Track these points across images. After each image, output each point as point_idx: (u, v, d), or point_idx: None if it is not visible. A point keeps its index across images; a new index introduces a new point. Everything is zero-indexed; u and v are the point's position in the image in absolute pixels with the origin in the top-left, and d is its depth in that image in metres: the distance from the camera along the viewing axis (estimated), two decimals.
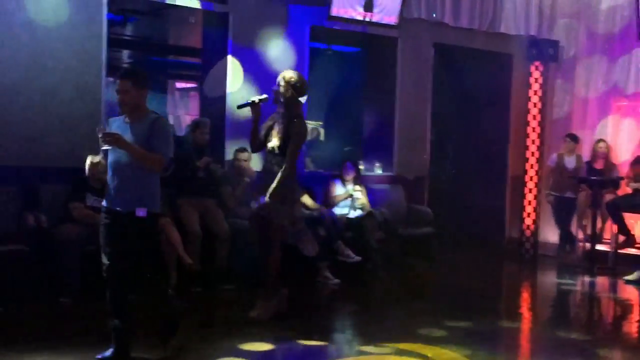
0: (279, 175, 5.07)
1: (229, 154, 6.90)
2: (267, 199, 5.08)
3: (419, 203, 8.36)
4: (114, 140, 3.98)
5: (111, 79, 5.56)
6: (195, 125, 6.49)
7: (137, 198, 4.08)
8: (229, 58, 7.00)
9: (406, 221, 7.91)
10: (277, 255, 5.21)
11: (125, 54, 10.93)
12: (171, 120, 10.69)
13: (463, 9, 8.41)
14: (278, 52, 7.28)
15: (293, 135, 5.12)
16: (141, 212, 4.04)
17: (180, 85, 12.57)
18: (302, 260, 6.26)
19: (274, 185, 5.07)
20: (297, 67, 7.36)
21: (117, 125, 4.17)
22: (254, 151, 5.61)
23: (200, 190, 6.25)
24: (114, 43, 8.10)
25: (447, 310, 5.79)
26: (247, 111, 5.34)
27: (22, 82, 5.89)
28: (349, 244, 6.89)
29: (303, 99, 5.30)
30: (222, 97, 7.03)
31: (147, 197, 4.12)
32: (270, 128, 5.23)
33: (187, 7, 6.89)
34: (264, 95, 5.25)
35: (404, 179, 8.33)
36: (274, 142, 5.16)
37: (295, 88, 5.19)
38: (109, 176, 4.16)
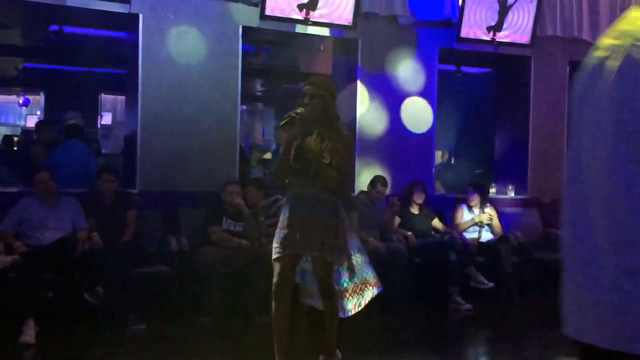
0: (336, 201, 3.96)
1: (358, 180, 6.98)
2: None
3: (556, 227, 7.98)
4: None
5: (244, 107, 5.80)
6: None
7: None
8: (358, 83, 7.10)
9: (542, 246, 7.60)
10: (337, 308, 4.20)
11: (257, 82, 11.39)
12: None
13: (601, 23, 8.03)
14: (407, 75, 7.29)
15: (345, 152, 3.95)
16: None
17: None
18: (433, 284, 6.18)
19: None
20: (426, 90, 7.38)
21: None
22: (284, 179, 4.09)
23: None
24: (248, 73, 8.46)
25: None
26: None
27: (165, 113, 6.28)
28: (481, 269, 6.72)
29: None
30: (353, 122, 7.12)
31: None
32: (300, 148, 3.93)
33: (317, 35, 7.08)
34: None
35: (539, 201, 8.02)
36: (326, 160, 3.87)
37: (333, 90, 4.05)
38: None
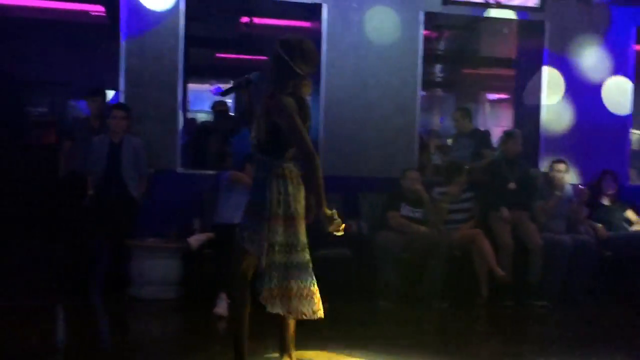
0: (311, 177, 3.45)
1: (543, 167, 6.69)
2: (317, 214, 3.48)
3: None
4: None
5: (424, 94, 5.74)
6: (506, 137, 6.41)
7: None
8: (545, 67, 6.79)
9: None
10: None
11: (437, 68, 11.25)
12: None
13: None
14: (599, 58, 6.85)
15: (276, 114, 3.30)
16: None
17: (491, 96, 12.52)
18: (627, 281, 5.77)
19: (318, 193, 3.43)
20: (621, 73, 6.89)
21: None
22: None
23: (513, 202, 6.15)
24: (428, 58, 8.38)
25: None
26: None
27: (347, 99, 6.42)
28: None
29: (304, 71, 3.41)
30: (537, 108, 6.83)
31: None
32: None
33: (502, 18, 6.85)
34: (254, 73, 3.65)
35: None
36: (252, 134, 3.42)
37: (290, 49, 3.40)
38: None
